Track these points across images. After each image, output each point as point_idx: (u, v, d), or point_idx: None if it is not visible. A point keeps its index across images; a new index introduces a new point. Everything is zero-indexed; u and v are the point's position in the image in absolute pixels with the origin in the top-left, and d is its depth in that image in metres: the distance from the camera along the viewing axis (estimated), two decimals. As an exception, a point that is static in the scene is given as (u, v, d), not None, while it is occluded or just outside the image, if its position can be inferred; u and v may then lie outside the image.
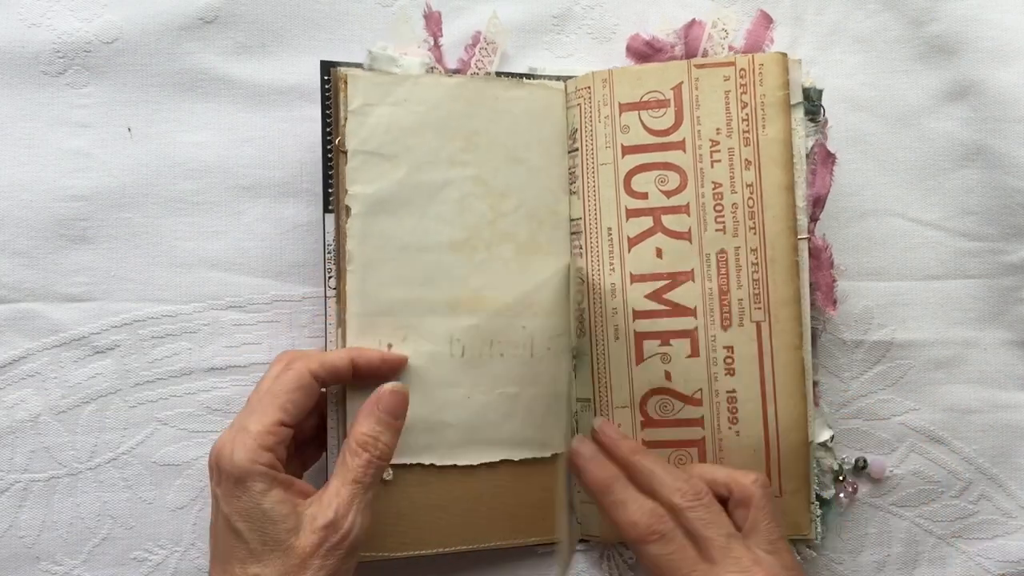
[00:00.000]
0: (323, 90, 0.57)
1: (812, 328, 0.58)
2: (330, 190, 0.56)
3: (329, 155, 0.57)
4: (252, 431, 0.49)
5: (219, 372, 0.60)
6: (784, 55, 0.57)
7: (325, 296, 0.56)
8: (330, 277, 0.56)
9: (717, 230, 0.57)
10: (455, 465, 0.56)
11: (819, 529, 0.58)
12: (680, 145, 0.58)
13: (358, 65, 0.58)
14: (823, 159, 0.59)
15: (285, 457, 0.50)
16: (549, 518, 0.59)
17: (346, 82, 0.56)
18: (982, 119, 0.63)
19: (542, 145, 0.60)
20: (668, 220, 0.58)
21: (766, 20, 0.61)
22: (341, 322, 0.56)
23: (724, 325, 0.57)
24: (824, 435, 0.59)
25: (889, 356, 0.63)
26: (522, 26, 0.63)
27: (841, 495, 0.61)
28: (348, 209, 0.56)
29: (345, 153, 0.56)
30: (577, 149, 0.60)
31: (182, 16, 0.60)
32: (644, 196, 0.58)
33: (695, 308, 0.57)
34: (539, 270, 0.59)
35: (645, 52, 0.61)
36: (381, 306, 0.56)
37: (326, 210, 0.57)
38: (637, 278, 0.58)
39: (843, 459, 0.62)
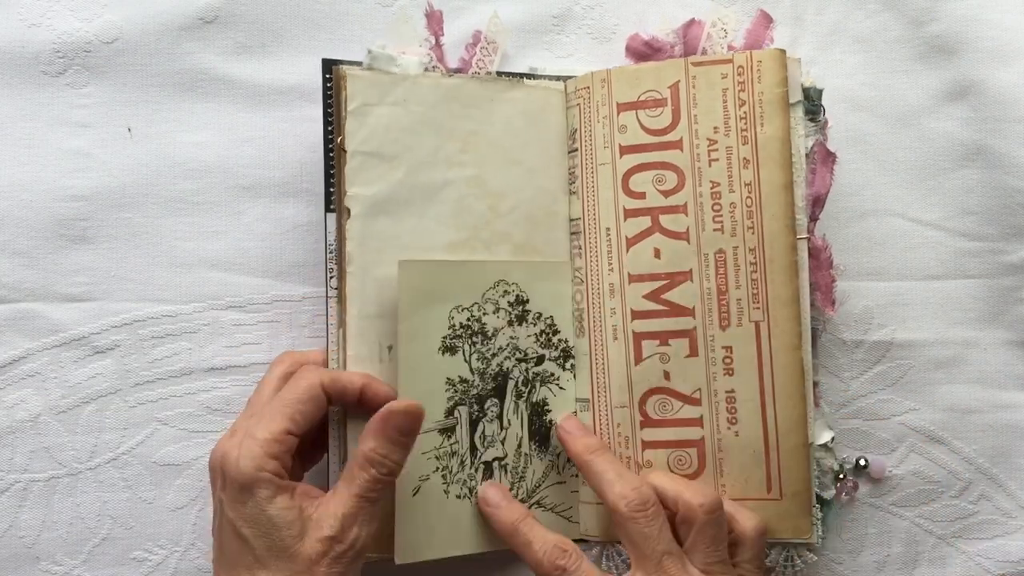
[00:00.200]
0: (325, 88, 0.57)
1: (812, 328, 0.57)
2: (332, 189, 0.56)
3: (331, 153, 0.56)
4: (259, 438, 0.49)
5: (219, 372, 0.60)
6: (782, 51, 0.57)
7: (327, 296, 0.56)
8: (332, 277, 0.56)
9: (715, 230, 0.57)
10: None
11: (820, 532, 0.58)
12: (678, 144, 0.58)
13: (359, 64, 0.58)
14: (823, 158, 0.59)
15: (290, 464, 0.51)
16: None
17: (346, 81, 0.56)
18: (982, 119, 0.63)
19: (540, 146, 0.60)
20: (666, 220, 0.58)
21: (766, 20, 0.61)
22: (342, 323, 0.56)
23: (723, 325, 0.57)
24: (824, 436, 0.59)
25: (889, 356, 0.63)
26: (522, 26, 0.63)
27: (843, 494, 0.61)
28: (348, 210, 0.56)
29: (346, 152, 0.56)
30: (576, 149, 0.60)
31: (182, 16, 0.60)
32: (642, 196, 0.58)
33: (693, 308, 0.57)
34: None
35: (644, 52, 0.61)
36: (381, 307, 0.56)
37: (328, 209, 0.57)
38: (635, 278, 0.58)
39: (843, 459, 0.62)
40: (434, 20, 0.60)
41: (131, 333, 0.59)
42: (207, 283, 0.60)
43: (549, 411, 0.59)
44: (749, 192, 0.57)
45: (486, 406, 0.58)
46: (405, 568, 0.55)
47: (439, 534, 0.56)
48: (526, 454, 0.58)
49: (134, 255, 0.60)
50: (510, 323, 0.58)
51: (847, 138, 0.63)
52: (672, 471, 0.57)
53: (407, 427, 0.50)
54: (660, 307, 0.58)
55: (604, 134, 0.59)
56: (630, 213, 0.58)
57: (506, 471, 0.58)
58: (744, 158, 0.57)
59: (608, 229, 0.58)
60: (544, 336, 0.59)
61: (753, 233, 0.57)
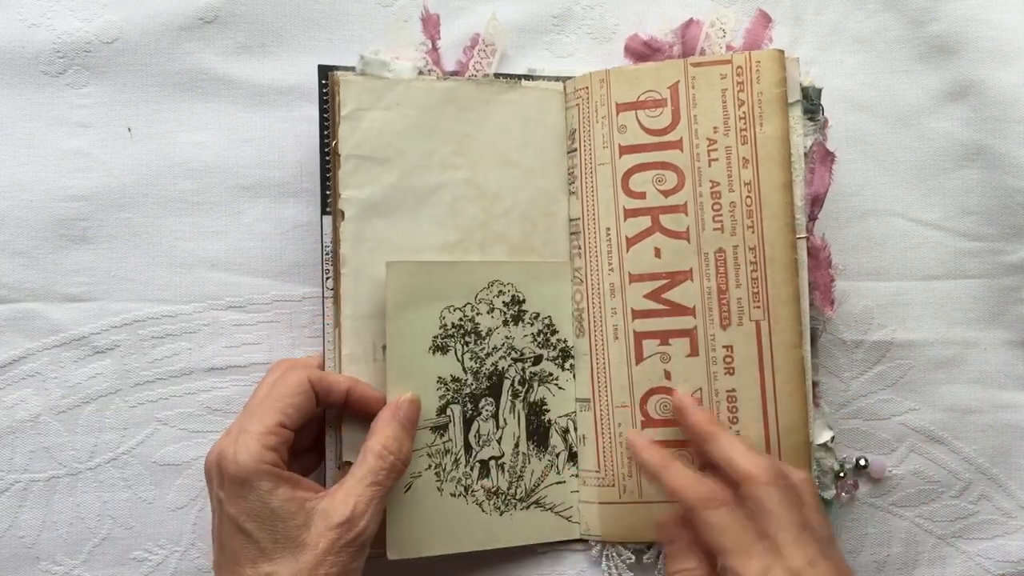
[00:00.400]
0: (321, 94, 0.57)
1: (812, 328, 0.57)
2: (327, 191, 0.57)
3: (327, 157, 0.57)
4: (254, 432, 0.49)
5: (219, 372, 0.60)
6: (781, 52, 0.57)
7: (323, 297, 0.57)
8: (328, 278, 0.57)
9: (715, 229, 0.57)
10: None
11: (820, 530, 0.58)
12: (677, 144, 0.58)
13: (355, 69, 0.58)
14: (822, 158, 0.59)
15: (287, 459, 0.51)
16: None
17: (339, 86, 0.56)
18: (982, 119, 0.63)
19: (538, 147, 0.60)
20: (666, 219, 0.58)
21: (765, 20, 0.61)
22: (337, 323, 0.56)
23: (723, 324, 0.57)
24: (824, 436, 0.59)
25: (889, 356, 0.63)
26: (522, 26, 0.63)
27: (843, 494, 0.61)
28: (342, 213, 0.56)
29: (340, 156, 0.56)
30: (576, 150, 0.60)
31: (182, 16, 0.60)
32: (642, 196, 0.58)
33: (694, 307, 0.57)
34: None
35: (643, 52, 0.61)
36: (375, 308, 0.56)
37: (323, 211, 0.57)
38: (636, 278, 0.58)
39: (843, 459, 0.62)
40: (430, 24, 0.60)
41: (131, 333, 0.59)
42: (207, 283, 0.60)
43: (548, 411, 0.59)
44: (749, 191, 0.57)
45: (480, 405, 0.58)
46: (404, 568, 0.55)
47: (434, 532, 0.56)
48: (524, 453, 0.59)
49: (134, 255, 0.60)
50: (505, 323, 0.58)
51: (847, 138, 0.63)
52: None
53: (415, 417, 0.55)
54: (661, 306, 0.58)
55: (603, 134, 0.59)
56: (630, 213, 0.58)
57: (503, 470, 0.58)
58: (743, 158, 0.57)
59: (608, 229, 0.58)
60: (542, 336, 0.59)
61: (753, 232, 0.57)
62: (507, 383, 0.58)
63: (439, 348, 0.57)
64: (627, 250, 0.58)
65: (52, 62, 0.59)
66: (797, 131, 0.57)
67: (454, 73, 0.60)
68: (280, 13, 0.61)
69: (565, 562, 0.60)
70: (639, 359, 0.58)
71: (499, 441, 0.58)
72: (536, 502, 0.59)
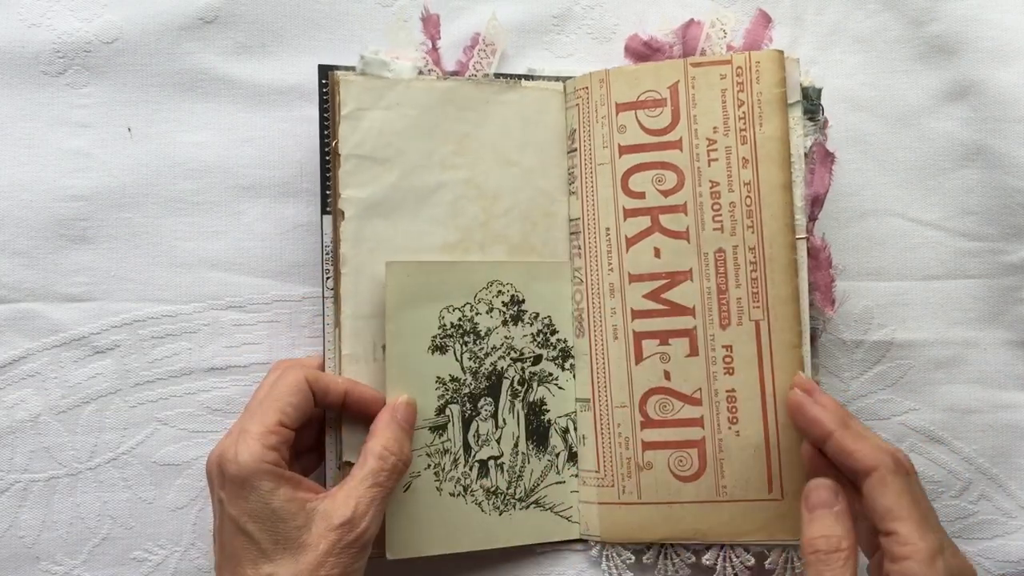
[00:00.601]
0: (321, 94, 0.57)
1: (812, 328, 0.57)
2: (327, 192, 0.57)
3: (327, 157, 0.57)
4: (254, 432, 0.49)
5: (219, 372, 0.60)
6: (780, 52, 0.57)
7: (323, 297, 0.57)
8: (328, 278, 0.57)
9: (715, 229, 0.57)
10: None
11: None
12: (677, 144, 0.58)
13: (355, 68, 0.58)
14: (822, 158, 0.59)
15: (288, 459, 0.51)
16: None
17: (339, 86, 0.56)
18: (982, 119, 0.62)
19: (537, 147, 0.60)
20: (666, 219, 0.58)
21: (765, 20, 0.61)
22: (337, 323, 0.56)
23: (723, 324, 0.57)
24: (824, 436, 0.59)
25: (889, 356, 0.63)
26: (522, 26, 0.63)
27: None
28: (342, 213, 0.56)
29: (340, 156, 0.56)
30: (575, 150, 0.60)
31: (182, 16, 0.60)
32: (641, 196, 0.58)
33: (694, 307, 0.57)
34: None
35: (643, 52, 0.61)
36: (374, 308, 0.56)
37: (324, 211, 0.57)
38: (635, 278, 0.58)
39: (843, 459, 0.62)
40: (430, 24, 0.60)
41: (131, 333, 0.59)
42: (207, 283, 0.60)
43: (548, 411, 0.59)
44: (748, 191, 0.57)
45: (479, 405, 0.58)
46: (404, 568, 0.55)
47: (433, 532, 0.56)
48: (523, 453, 0.59)
49: (134, 255, 0.60)
50: (504, 323, 0.58)
51: (847, 138, 0.63)
52: (672, 473, 0.57)
53: (412, 419, 0.55)
54: (660, 306, 0.58)
55: (603, 134, 0.59)
56: (630, 213, 0.58)
57: (502, 470, 0.58)
58: (743, 158, 0.57)
59: (608, 229, 0.58)
60: (541, 336, 0.59)
61: (753, 232, 0.57)
62: (506, 383, 0.58)
63: (438, 348, 0.57)
64: (627, 250, 0.58)
65: (52, 62, 0.59)
66: (797, 131, 0.57)
67: (454, 73, 0.60)
68: (280, 13, 0.61)
69: (565, 562, 0.60)
70: (639, 359, 0.58)
71: (498, 441, 0.58)
72: (535, 502, 0.59)
